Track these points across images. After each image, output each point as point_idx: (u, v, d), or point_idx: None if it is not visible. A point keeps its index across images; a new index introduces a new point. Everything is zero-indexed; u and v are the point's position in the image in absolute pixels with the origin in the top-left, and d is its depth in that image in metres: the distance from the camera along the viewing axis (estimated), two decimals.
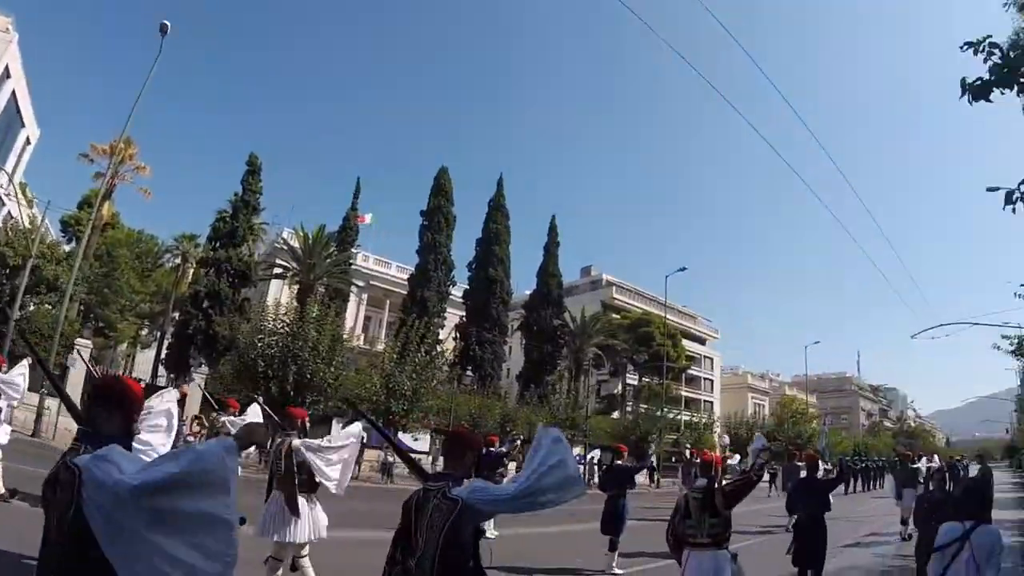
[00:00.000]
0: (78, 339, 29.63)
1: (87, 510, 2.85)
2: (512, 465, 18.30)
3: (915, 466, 21.60)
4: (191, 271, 49.07)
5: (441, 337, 43.52)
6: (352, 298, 54.31)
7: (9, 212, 36.70)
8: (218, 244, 42.67)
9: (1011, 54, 6.84)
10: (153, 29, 25.91)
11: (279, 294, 47.38)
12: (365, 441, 33.67)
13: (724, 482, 7.55)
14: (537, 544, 14.16)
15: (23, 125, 38.95)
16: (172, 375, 39.60)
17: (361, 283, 56.24)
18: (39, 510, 3.21)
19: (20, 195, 35.92)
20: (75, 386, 24.00)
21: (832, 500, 10.55)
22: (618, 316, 72.93)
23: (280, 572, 7.89)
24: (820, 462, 13.60)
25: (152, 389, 22.40)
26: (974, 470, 28.16)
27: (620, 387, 71.48)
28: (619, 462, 14.15)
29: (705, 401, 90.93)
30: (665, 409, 55.31)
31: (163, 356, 43.67)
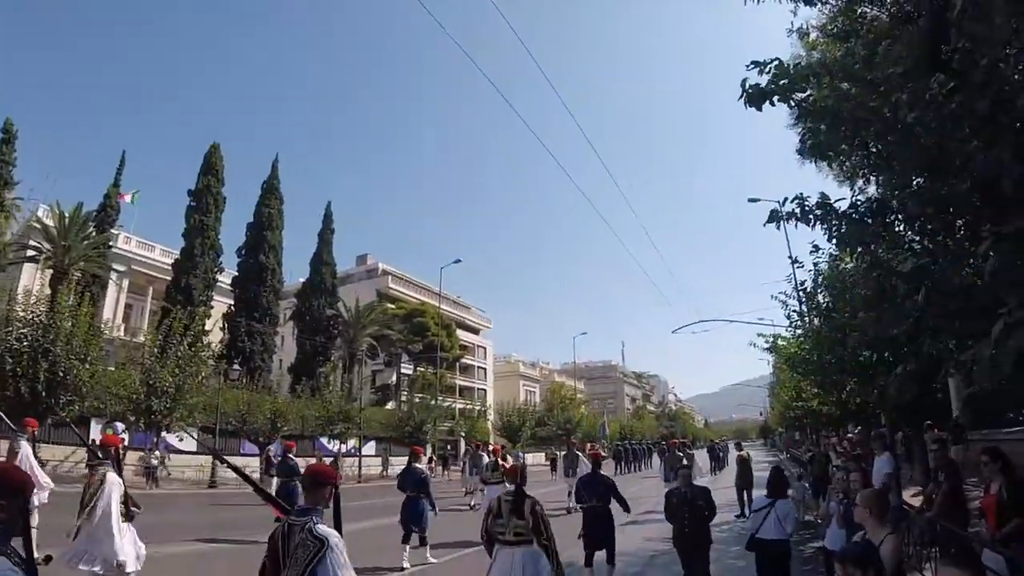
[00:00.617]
0: None
1: None
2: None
3: (679, 453, 25.35)
4: None
5: (207, 328, 41.69)
6: (112, 285, 50.28)
7: None
8: None
9: (791, 70, 7.09)
10: None
11: (32, 280, 43.85)
12: (127, 443, 31.92)
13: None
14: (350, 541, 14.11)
15: None
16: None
17: (122, 268, 52.18)
18: None
19: None
20: None
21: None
22: (393, 306, 72.64)
23: None
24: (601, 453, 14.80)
25: None
26: (733, 451, 30.23)
27: (395, 377, 71.37)
28: (417, 464, 14.60)
29: (479, 389, 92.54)
30: (440, 398, 55.76)
31: None
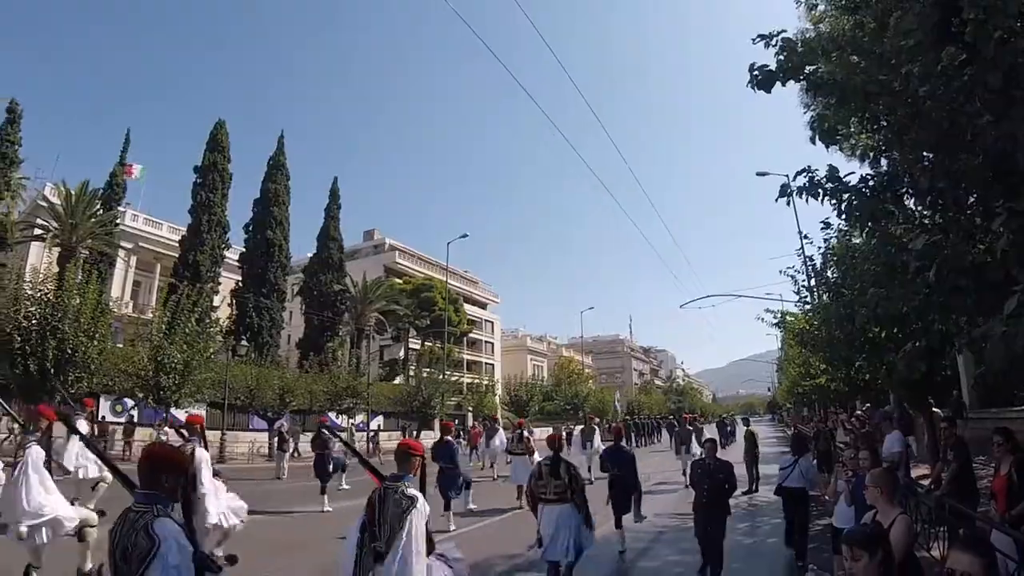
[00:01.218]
0: None
1: None
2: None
3: (689, 428, 25.77)
4: None
5: (216, 304, 41.74)
6: (120, 262, 50.62)
7: None
8: None
9: (799, 48, 7.03)
10: None
11: (40, 259, 43.88)
12: (135, 420, 32.08)
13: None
14: None
15: None
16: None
17: (129, 245, 52.49)
18: None
19: None
20: None
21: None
22: (400, 281, 72.72)
23: None
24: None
25: None
26: (741, 427, 30.54)
27: (402, 352, 71.46)
28: (448, 438, 15.87)
29: (486, 364, 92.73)
30: (447, 373, 55.90)
31: None
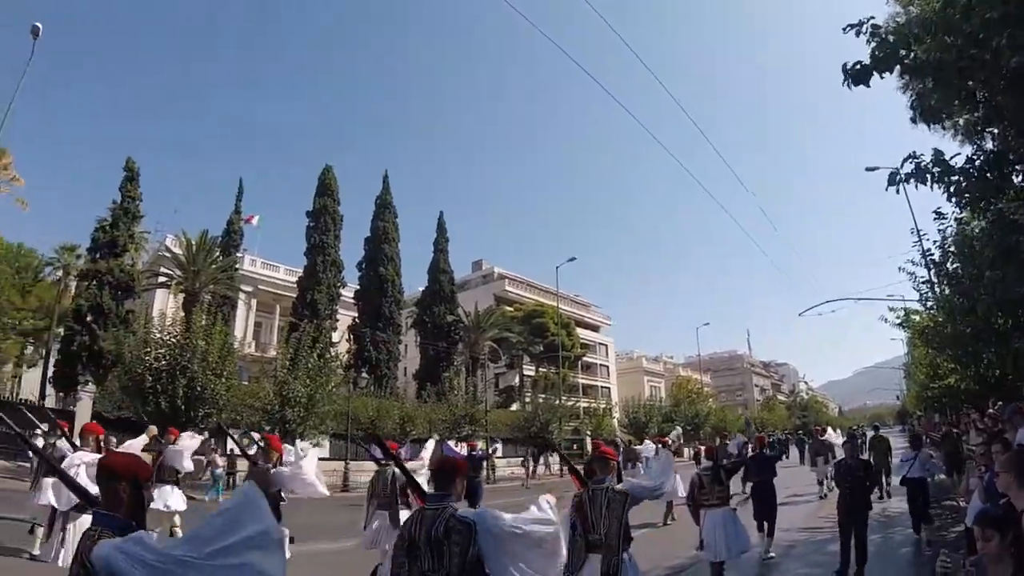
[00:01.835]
0: None
1: None
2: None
3: (823, 439, 25.40)
4: (73, 284, 47.03)
5: (334, 339, 42.90)
6: (241, 304, 52.81)
7: None
8: (99, 255, 40.89)
9: (890, 38, 7.04)
10: (22, 32, 24.95)
11: (165, 304, 45.93)
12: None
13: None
14: None
15: None
16: (61, 394, 38.10)
17: (249, 288, 54.54)
18: None
19: None
20: None
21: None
22: (511, 308, 73.10)
23: None
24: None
25: (40, 410, 21.62)
26: (871, 434, 29.93)
27: (517, 379, 71.70)
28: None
29: (602, 387, 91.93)
30: (564, 398, 55.83)
31: (50, 375, 41.72)
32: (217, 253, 44.53)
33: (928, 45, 7.06)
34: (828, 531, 14.32)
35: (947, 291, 18.57)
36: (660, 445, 21.70)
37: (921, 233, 18.13)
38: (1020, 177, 7.71)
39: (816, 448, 24.91)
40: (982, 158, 7.60)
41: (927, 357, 30.21)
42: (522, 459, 44.22)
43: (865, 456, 13.59)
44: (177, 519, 12.59)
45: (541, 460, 44.68)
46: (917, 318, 24.98)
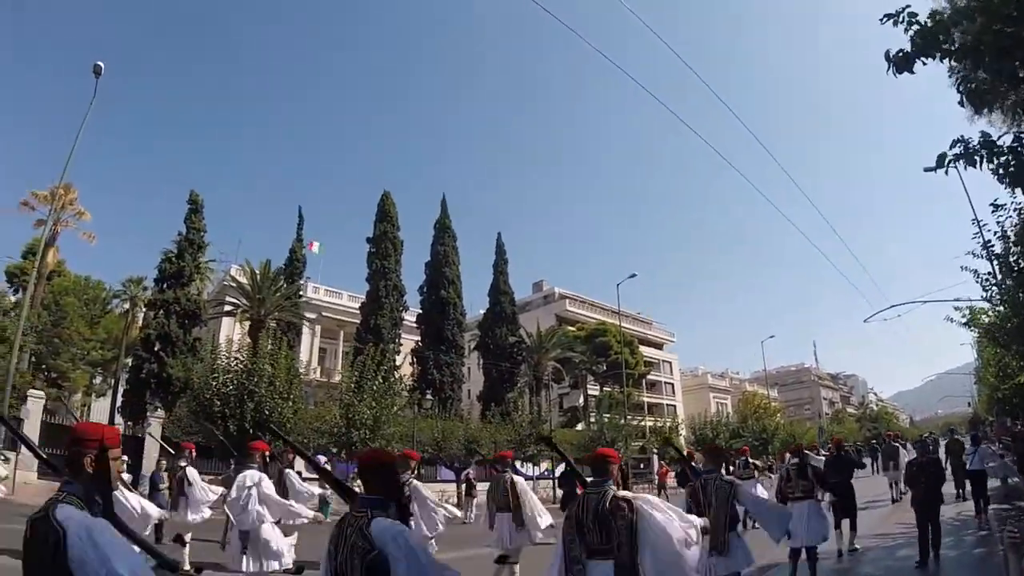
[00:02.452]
0: (31, 390, 28.87)
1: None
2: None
3: (895, 444, 27.18)
4: (140, 315, 48.10)
5: (397, 363, 43.21)
6: (305, 331, 53.63)
7: None
8: (165, 285, 41.82)
9: (928, 23, 6.99)
10: (84, 71, 25.64)
11: (231, 332, 46.72)
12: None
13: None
14: None
15: None
16: (129, 422, 38.88)
17: (313, 315, 55.43)
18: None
19: None
20: (31, 436, 23.54)
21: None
22: (573, 328, 72.96)
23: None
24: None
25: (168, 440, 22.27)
26: (943, 442, 29.97)
27: (582, 399, 71.49)
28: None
29: (668, 405, 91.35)
30: (628, 416, 55.45)
31: (119, 404, 42.61)
32: (281, 281, 45.20)
33: (966, 27, 7.00)
34: (901, 536, 15.08)
35: (1010, 283, 18.18)
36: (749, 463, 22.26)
37: (981, 223, 17.79)
38: None
39: (888, 452, 26.10)
40: None
41: (996, 356, 29.53)
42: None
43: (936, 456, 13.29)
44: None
45: None
46: (985, 318, 24.46)
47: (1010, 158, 7.28)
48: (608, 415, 55.15)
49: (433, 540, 10.97)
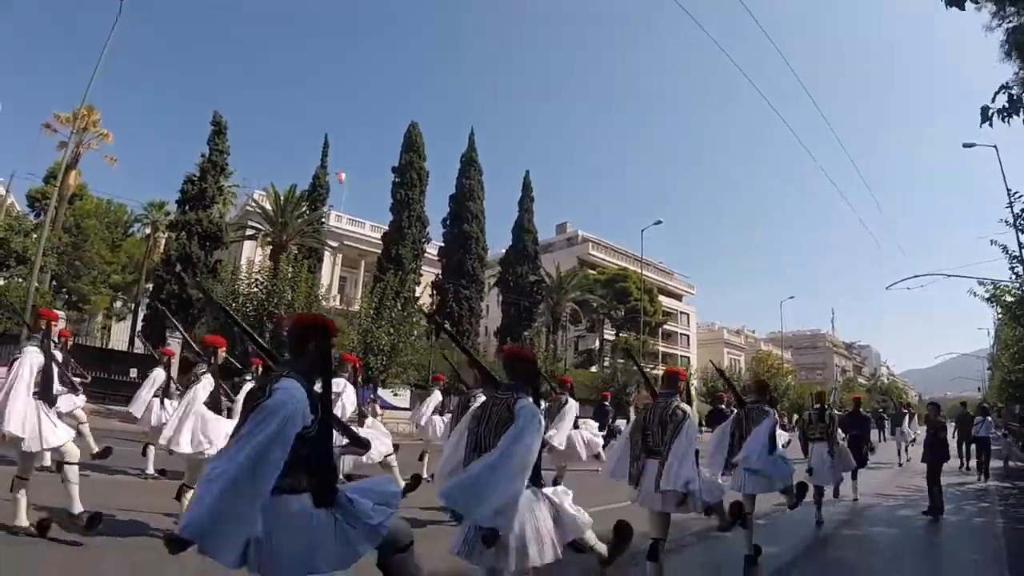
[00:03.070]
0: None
1: None
2: None
3: (904, 411, 29.20)
4: (162, 240, 48.03)
5: (417, 294, 43.26)
6: (327, 258, 53.45)
7: None
8: (187, 207, 41.56)
9: None
10: None
11: (253, 256, 46.86)
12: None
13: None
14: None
15: None
16: (149, 343, 39.06)
17: (335, 243, 55.42)
18: None
19: None
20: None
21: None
22: (594, 272, 72.75)
23: None
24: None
25: (132, 357, 22.27)
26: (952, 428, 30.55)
27: (597, 342, 71.66)
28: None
29: (681, 356, 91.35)
30: (642, 363, 55.59)
31: (139, 328, 42.69)
32: (304, 207, 45.07)
33: None
34: (902, 497, 16.20)
35: None
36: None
37: (1013, 194, 17.50)
38: None
39: (896, 419, 29.00)
40: None
41: (1015, 337, 29.30)
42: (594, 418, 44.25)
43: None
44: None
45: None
46: (1009, 297, 24.22)
47: None
48: (622, 361, 55.38)
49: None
